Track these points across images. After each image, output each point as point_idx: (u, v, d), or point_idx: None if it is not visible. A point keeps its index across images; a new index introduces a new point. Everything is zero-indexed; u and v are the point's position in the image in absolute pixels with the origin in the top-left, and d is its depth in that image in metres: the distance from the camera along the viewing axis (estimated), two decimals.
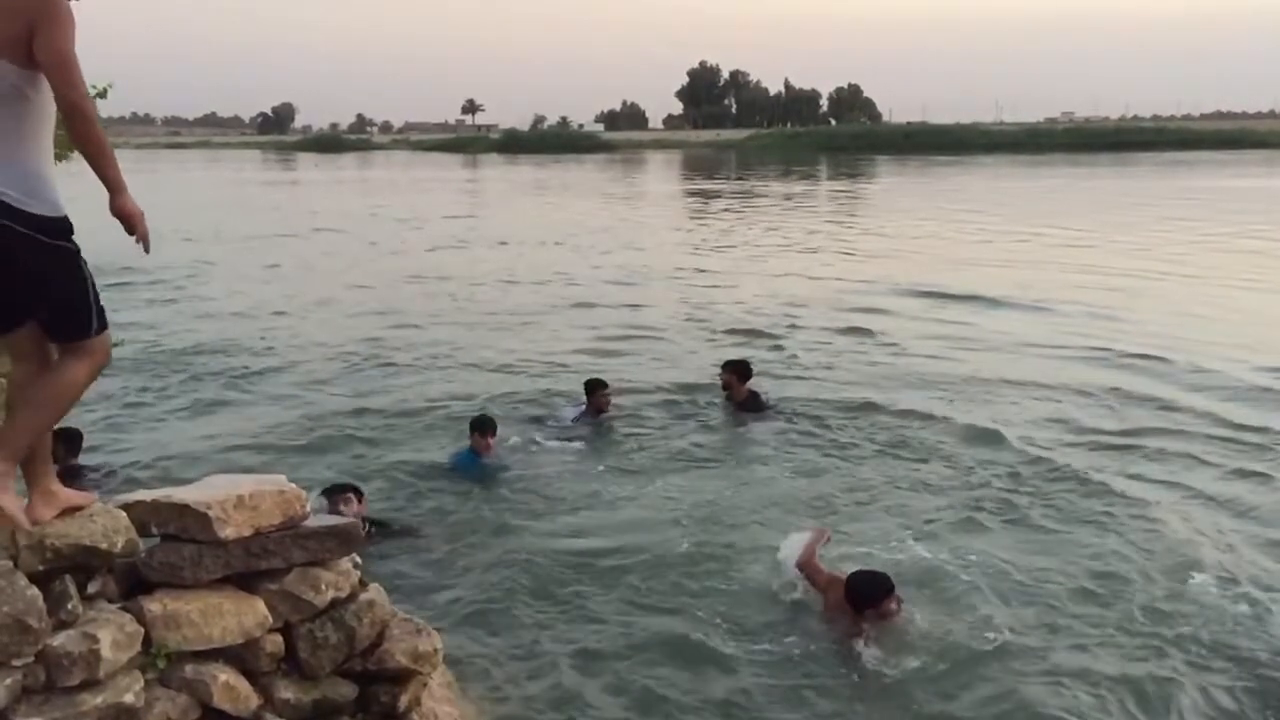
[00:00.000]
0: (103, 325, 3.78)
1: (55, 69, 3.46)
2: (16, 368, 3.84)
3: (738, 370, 10.79)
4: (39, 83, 3.53)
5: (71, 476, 8.34)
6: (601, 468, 9.11)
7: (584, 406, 10.38)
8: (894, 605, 6.00)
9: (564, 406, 10.67)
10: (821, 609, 6.22)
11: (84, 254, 3.70)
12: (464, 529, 7.73)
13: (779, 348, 14.10)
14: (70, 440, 8.32)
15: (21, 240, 3.56)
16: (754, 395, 10.69)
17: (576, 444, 9.73)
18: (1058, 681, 5.56)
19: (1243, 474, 8.90)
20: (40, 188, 3.59)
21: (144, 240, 3.74)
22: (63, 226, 3.66)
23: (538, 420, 10.40)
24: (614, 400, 10.53)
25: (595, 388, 10.40)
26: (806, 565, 6.44)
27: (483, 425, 8.97)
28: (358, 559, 4.43)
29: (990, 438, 9.79)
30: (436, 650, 4.43)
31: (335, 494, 7.15)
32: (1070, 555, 7.15)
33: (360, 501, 7.23)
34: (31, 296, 3.68)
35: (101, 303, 3.78)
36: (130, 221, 3.67)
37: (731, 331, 15.19)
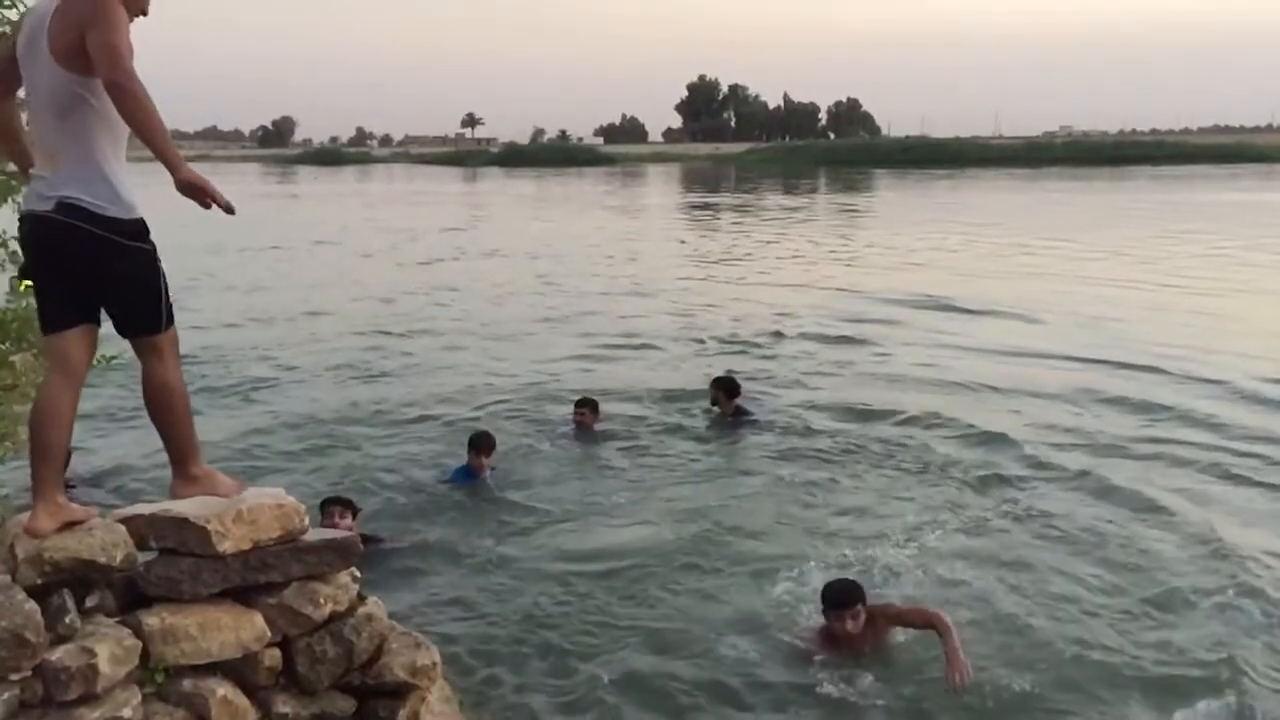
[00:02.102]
0: (171, 320, 3.99)
1: (101, 59, 3.56)
2: (50, 377, 3.96)
3: (725, 387, 10.91)
4: (99, 89, 3.63)
5: None
6: (593, 483, 9.07)
7: (572, 423, 10.45)
8: (848, 623, 5.76)
9: (557, 421, 10.68)
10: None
11: None
12: (459, 544, 7.69)
13: (774, 357, 14.12)
14: None
15: (98, 242, 3.73)
16: (741, 411, 10.76)
17: (569, 459, 9.72)
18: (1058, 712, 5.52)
19: (1250, 482, 8.90)
20: (114, 191, 3.77)
21: (222, 203, 3.69)
22: (139, 228, 3.84)
23: (532, 434, 10.40)
24: (603, 412, 10.60)
25: (577, 405, 10.54)
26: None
27: (480, 442, 8.96)
28: (356, 572, 4.42)
29: (989, 449, 9.77)
30: (435, 664, 4.43)
31: (329, 507, 7.10)
32: (1071, 570, 7.10)
33: (354, 516, 7.19)
34: (105, 295, 3.86)
35: (171, 299, 3.99)
36: (199, 192, 3.65)
37: (728, 343, 15.20)
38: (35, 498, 3.90)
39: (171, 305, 4.01)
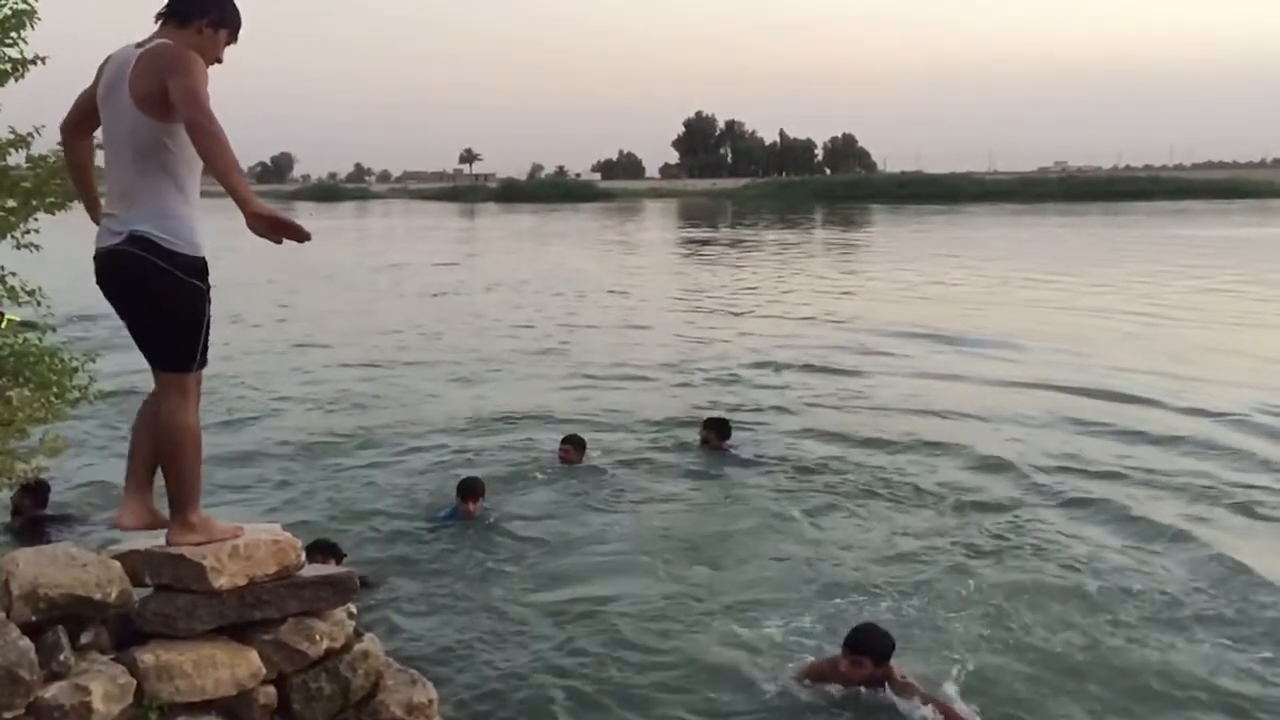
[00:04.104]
0: (203, 363, 4.15)
1: (183, 102, 3.76)
2: (159, 395, 4.19)
3: (716, 428, 10.93)
4: (177, 135, 3.87)
5: (39, 528, 8.16)
6: (585, 519, 8.97)
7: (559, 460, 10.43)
8: (844, 663, 5.70)
9: (551, 456, 10.63)
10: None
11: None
12: (449, 585, 7.58)
13: (770, 389, 14.12)
14: (37, 492, 8.09)
15: (161, 274, 3.92)
16: (728, 451, 10.74)
17: (560, 495, 9.63)
18: None
19: (1250, 511, 8.89)
20: (182, 229, 3.98)
21: (295, 232, 3.76)
22: (199, 266, 4.05)
23: (524, 468, 10.33)
24: (597, 444, 10.65)
25: (562, 442, 10.53)
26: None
27: (469, 490, 8.85)
28: (353, 609, 4.39)
29: (987, 478, 9.78)
30: (432, 701, 4.39)
31: (313, 554, 6.93)
32: (1068, 602, 7.06)
33: (338, 562, 7.04)
34: (151, 324, 4.03)
35: (209, 342, 4.14)
36: (271, 225, 3.72)
37: (724, 375, 15.19)
38: (124, 493, 4.24)
39: (208, 349, 4.12)
